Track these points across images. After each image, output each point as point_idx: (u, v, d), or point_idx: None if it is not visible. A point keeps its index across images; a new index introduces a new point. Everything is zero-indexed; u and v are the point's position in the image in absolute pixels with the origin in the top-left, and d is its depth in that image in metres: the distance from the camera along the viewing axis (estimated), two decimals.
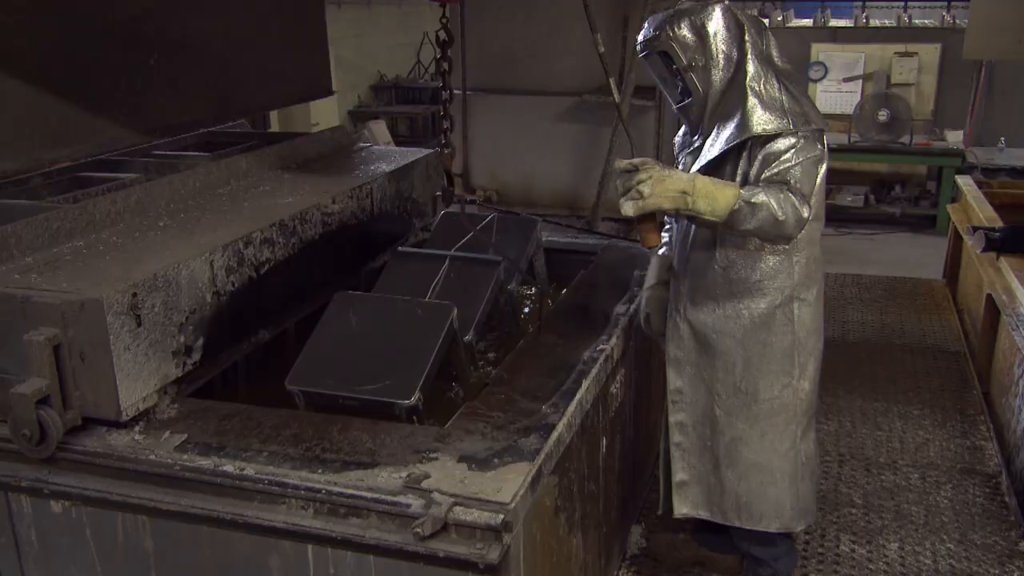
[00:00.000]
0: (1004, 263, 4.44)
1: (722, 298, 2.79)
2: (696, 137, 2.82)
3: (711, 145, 2.70)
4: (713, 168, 2.67)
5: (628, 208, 2.55)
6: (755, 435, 2.85)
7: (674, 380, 2.94)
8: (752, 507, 2.90)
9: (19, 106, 2.62)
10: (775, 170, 2.57)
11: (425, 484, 1.96)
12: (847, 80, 9.27)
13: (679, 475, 2.98)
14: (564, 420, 2.28)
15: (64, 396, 2.14)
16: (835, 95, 9.30)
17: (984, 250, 4.48)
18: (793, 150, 2.57)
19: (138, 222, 2.67)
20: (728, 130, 2.64)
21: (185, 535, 2.16)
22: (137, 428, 2.22)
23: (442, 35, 2.73)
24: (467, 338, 2.90)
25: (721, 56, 2.67)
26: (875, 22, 9.94)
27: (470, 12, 4.65)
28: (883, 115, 8.26)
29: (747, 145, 2.62)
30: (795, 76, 2.76)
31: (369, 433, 2.20)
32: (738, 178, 2.64)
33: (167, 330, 2.30)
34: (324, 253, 2.98)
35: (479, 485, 1.96)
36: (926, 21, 10.08)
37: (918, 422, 4.46)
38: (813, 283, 2.83)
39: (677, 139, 3.01)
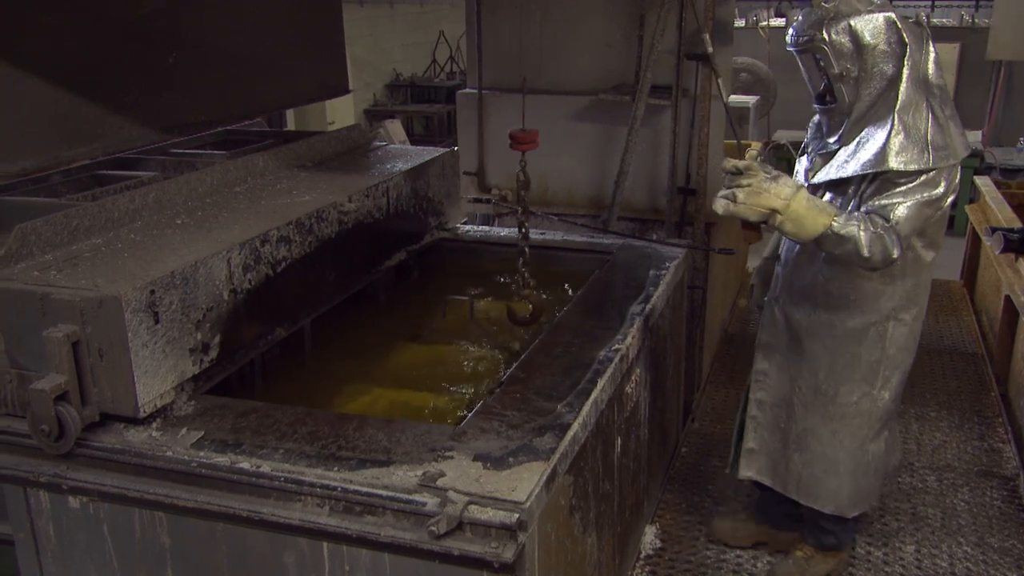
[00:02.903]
0: (1023, 264, 4.40)
1: (819, 306, 2.88)
2: (833, 141, 2.79)
3: (846, 161, 2.69)
4: (839, 182, 2.72)
5: (717, 206, 2.59)
6: (827, 431, 3.00)
7: (761, 362, 3.12)
8: (811, 490, 3.07)
9: (38, 104, 2.63)
10: (882, 202, 2.58)
11: (440, 483, 1.96)
12: None
13: (750, 443, 3.18)
14: (579, 419, 2.28)
15: (82, 392, 2.15)
16: None
17: (1003, 251, 4.44)
18: (908, 187, 2.56)
19: (156, 220, 2.68)
20: (867, 153, 2.62)
21: (201, 531, 2.17)
22: (154, 425, 2.24)
23: (521, 176, 2.91)
24: None
25: (876, 71, 2.62)
26: None
27: (486, 11, 4.65)
28: None
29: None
30: (946, 94, 2.71)
31: (384, 431, 2.20)
32: (855, 200, 2.68)
33: (184, 327, 2.31)
34: (340, 251, 2.99)
35: (494, 484, 1.96)
36: (944, 20, 10.02)
37: (935, 424, 4.43)
38: (914, 305, 2.87)
39: (811, 128, 3.01)
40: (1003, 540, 3.55)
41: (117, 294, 2.09)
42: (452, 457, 2.07)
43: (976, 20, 9.50)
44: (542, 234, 3.96)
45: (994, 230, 4.62)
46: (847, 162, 2.69)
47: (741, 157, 2.63)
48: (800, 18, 2.75)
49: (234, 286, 2.49)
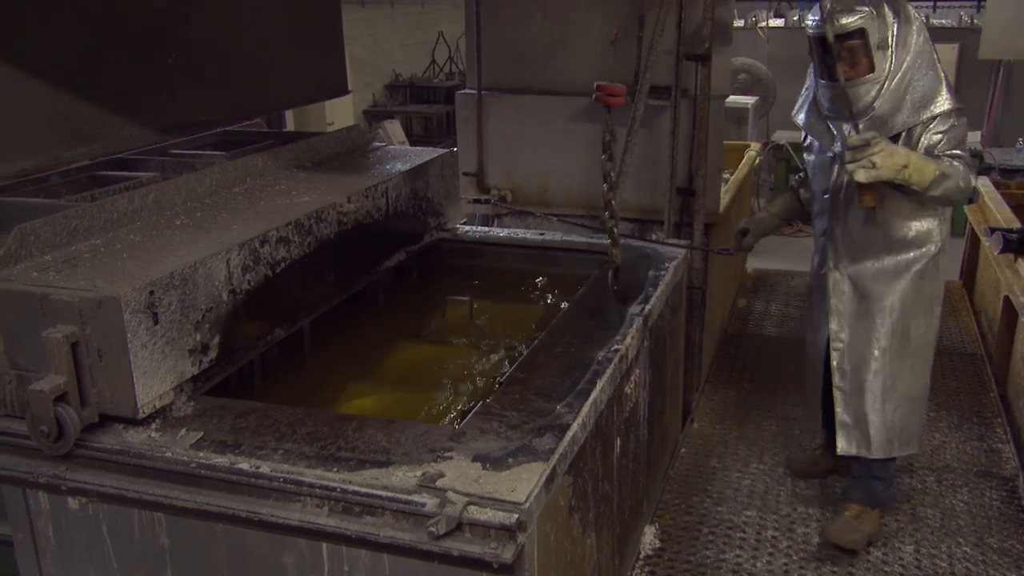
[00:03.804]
0: (1022, 265, 4.41)
1: (881, 253, 3.29)
2: (862, 107, 3.12)
3: (891, 115, 3.11)
4: (894, 137, 3.08)
5: (861, 175, 2.95)
6: (907, 370, 3.39)
7: (836, 330, 3.41)
8: (904, 434, 3.43)
9: (38, 104, 2.63)
10: (953, 144, 3.07)
11: (440, 483, 1.96)
12: None
13: (843, 417, 3.45)
14: (578, 420, 2.28)
15: (81, 393, 2.15)
16: None
17: (1002, 251, 4.44)
18: (961, 128, 3.10)
19: (155, 220, 2.68)
20: (916, 105, 3.08)
21: (200, 532, 2.17)
22: (153, 425, 2.24)
23: (607, 137, 3.09)
24: None
25: (907, 40, 3.09)
26: None
27: (485, 11, 4.65)
28: None
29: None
30: None
31: (384, 432, 2.20)
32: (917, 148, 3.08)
33: (184, 328, 2.31)
34: (339, 252, 2.99)
35: (493, 484, 1.96)
36: (943, 21, 10.02)
37: (934, 424, 4.43)
38: (947, 236, 3.35)
39: (801, 117, 3.45)
40: (1002, 540, 3.55)
41: (116, 295, 2.09)
42: (451, 458, 2.07)
43: (975, 21, 9.50)
44: (541, 235, 3.96)
45: (993, 230, 4.62)
46: (893, 116, 3.11)
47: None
48: (829, 6, 3.05)
49: (233, 287, 2.49)
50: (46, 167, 2.85)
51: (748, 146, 6.71)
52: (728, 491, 3.92)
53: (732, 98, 6.28)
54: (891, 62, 3.09)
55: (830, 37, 2.99)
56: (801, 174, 3.76)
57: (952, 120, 3.08)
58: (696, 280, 4.38)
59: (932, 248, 3.28)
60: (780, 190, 4.17)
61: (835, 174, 3.32)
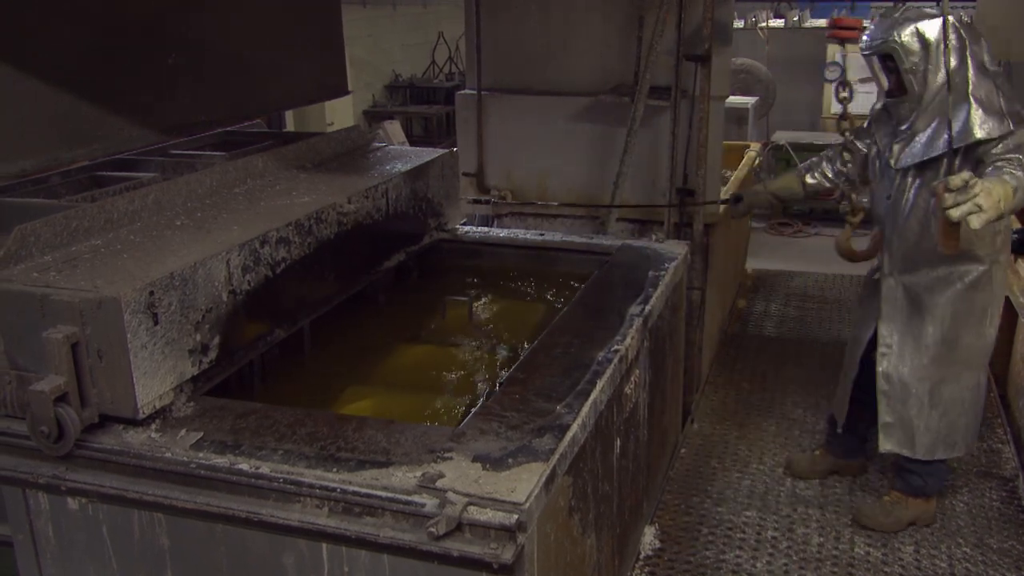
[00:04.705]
0: (1022, 265, 4.40)
1: (937, 263, 3.29)
2: (904, 128, 3.29)
3: (928, 143, 3.20)
4: (928, 162, 3.20)
5: (975, 222, 2.82)
6: (952, 378, 3.43)
7: (885, 335, 3.47)
8: (949, 438, 3.48)
9: (38, 104, 2.63)
10: (1013, 163, 3.00)
11: (439, 484, 1.96)
12: (863, 81, 9.21)
13: (884, 418, 3.52)
14: (578, 420, 2.28)
15: (82, 394, 2.15)
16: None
17: None
18: (1017, 145, 3.06)
19: (155, 221, 2.68)
20: (951, 130, 3.05)
21: (200, 533, 2.17)
22: (153, 426, 2.23)
23: (842, 92, 3.34)
24: None
25: (941, 63, 3.12)
26: None
27: (485, 12, 4.65)
28: None
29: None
30: (1003, 76, 3.22)
31: (384, 432, 2.20)
32: (946, 174, 3.09)
33: (184, 328, 2.30)
34: (339, 253, 2.99)
35: (493, 485, 1.96)
36: None
37: None
38: (1005, 247, 3.41)
39: (874, 123, 3.51)
40: (1002, 541, 3.55)
41: (116, 295, 2.09)
42: (451, 458, 2.07)
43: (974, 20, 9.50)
44: (541, 235, 3.96)
45: None
46: (930, 142, 3.20)
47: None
48: (873, 26, 3.29)
49: (233, 287, 2.49)
50: (46, 167, 2.85)
51: (748, 146, 6.71)
52: (728, 492, 3.92)
53: (732, 98, 6.27)
54: (924, 86, 3.17)
55: (863, 54, 3.22)
56: (815, 158, 3.84)
57: (1012, 142, 3.05)
58: (696, 280, 4.38)
59: (986, 263, 3.30)
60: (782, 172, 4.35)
61: (897, 182, 3.35)
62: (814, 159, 3.88)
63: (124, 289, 2.12)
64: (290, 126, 8.83)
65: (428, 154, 3.67)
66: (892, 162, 3.35)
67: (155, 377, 2.21)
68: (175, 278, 2.26)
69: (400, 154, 3.72)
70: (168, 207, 2.78)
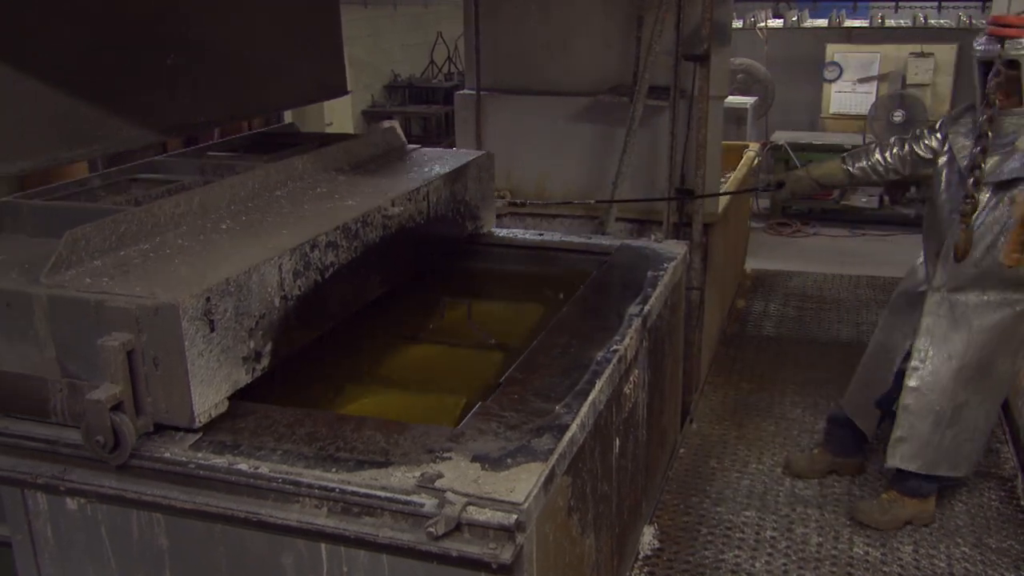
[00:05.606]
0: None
1: (989, 287, 3.31)
2: (1005, 140, 3.22)
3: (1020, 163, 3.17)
4: (1013, 180, 3.18)
5: None
6: (977, 402, 3.45)
7: (922, 349, 3.44)
8: (954, 458, 3.51)
9: (37, 104, 2.62)
10: None
11: (438, 484, 1.96)
12: (862, 81, 9.23)
13: (898, 432, 3.52)
14: (577, 420, 2.28)
15: (136, 402, 2.10)
16: (850, 95, 9.26)
17: None
18: None
19: (201, 224, 2.62)
20: None
21: (199, 533, 2.17)
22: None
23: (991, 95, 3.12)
24: None
25: None
26: (891, 22, 9.89)
27: (484, 12, 4.65)
28: (898, 116, 8.22)
29: None
30: None
31: (383, 432, 2.20)
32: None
33: (238, 335, 2.25)
34: (382, 256, 2.93)
35: (492, 485, 1.96)
36: (942, 21, 10.03)
37: None
38: None
39: (945, 122, 3.50)
40: (1001, 541, 3.55)
41: (174, 302, 2.04)
42: (450, 458, 2.07)
43: (975, 21, 9.51)
44: (540, 235, 3.96)
45: None
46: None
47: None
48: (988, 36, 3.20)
49: (285, 292, 2.43)
50: (45, 167, 2.84)
51: (747, 146, 6.71)
52: (727, 491, 3.92)
53: (731, 98, 6.28)
54: None
55: (998, 60, 3.09)
56: (860, 148, 3.83)
57: None
58: (695, 280, 4.38)
59: None
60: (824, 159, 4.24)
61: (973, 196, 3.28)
62: (859, 148, 3.84)
63: (182, 295, 2.06)
64: None
65: (465, 156, 3.61)
66: (981, 175, 3.21)
67: (211, 385, 2.16)
68: (231, 284, 2.20)
69: (436, 156, 3.66)
70: (212, 210, 2.72)
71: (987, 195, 3.25)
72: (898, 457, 3.54)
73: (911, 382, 3.47)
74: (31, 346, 2.20)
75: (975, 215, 3.21)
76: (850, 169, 3.79)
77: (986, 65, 3.21)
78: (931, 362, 3.43)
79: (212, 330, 2.14)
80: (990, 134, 3.15)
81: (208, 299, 2.13)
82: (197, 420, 2.14)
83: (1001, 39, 3.10)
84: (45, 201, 2.74)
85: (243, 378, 2.29)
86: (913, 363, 3.47)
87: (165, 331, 2.06)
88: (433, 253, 3.36)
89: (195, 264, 2.30)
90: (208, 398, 2.17)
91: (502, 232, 3.91)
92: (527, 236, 3.91)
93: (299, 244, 2.49)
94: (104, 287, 2.15)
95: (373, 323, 3.31)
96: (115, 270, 2.25)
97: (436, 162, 3.52)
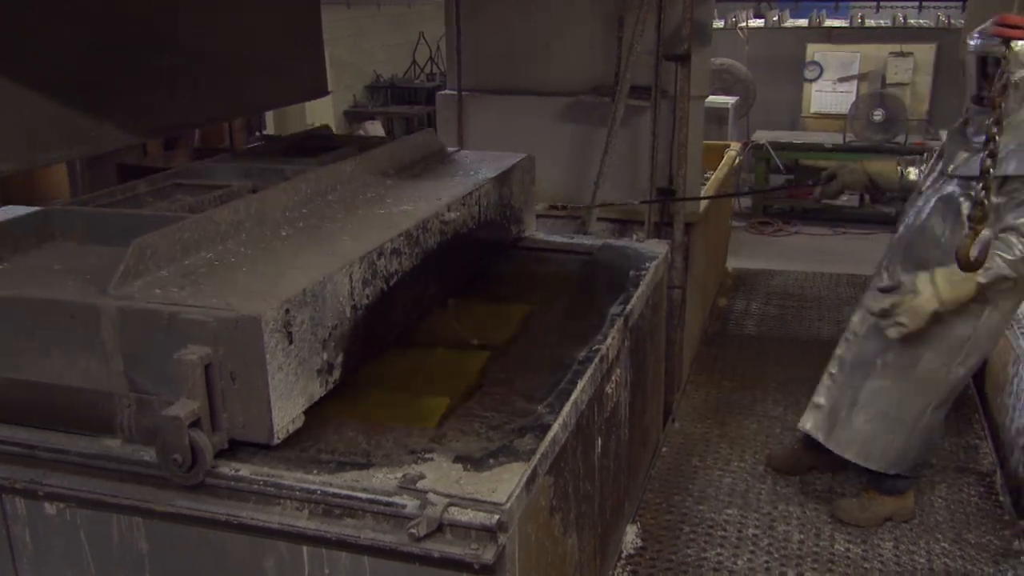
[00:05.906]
0: None
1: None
2: (977, 140, 3.14)
3: (1006, 157, 3.01)
4: (971, 177, 3.07)
5: (893, 333, 3.18)
6: (897, 394, 3.40)
7: (858, 323, 3.49)
8: (868, 448, 3.49)
9: (18, 105, 2.60)
10: (1016, 220, 2.99)
11: (420, 485, 1.96)
12: (842, 80, 9.29)
13: (819, 398, 3.60)
14: (559, 420, 2.29)
15: (213, 418, 2.04)
16: (830, 95, 9.32)
17: None
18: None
19: (259, 231, 2.55)
20: (1012, 160, 3.03)
21: (180, 536, 2.15)
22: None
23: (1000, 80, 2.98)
24: None
25: None
26: (871, 22, 9.96)
27: (466, 12, 4.65)
28: (878, 115, 8.28)
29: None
30: None
31: (364, 434, 2.20)
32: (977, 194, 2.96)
33: (313, 347, 2.19)
34: (440, 263, 2.88)
35: (474, 485, 1.96)
36: (921, 21, 10.10)
37: None
38: (1014, 298, 3.24)
39: (952, 135, 3.41)
40: (980, 536, 3.58)
41: (256, 314, 1.96)
42: (432, 459, 2.07)
43: (954, 21, 9.59)
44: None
45: None
46: (1002, 162, 3.00)
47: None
48: (990, 23, 3.14)
49: (355, 302, 2.37)
50: (26, 168, 2.80)
51: (728, 146, 6.74)
52: (709, 490, 3.93)
53: (712, 98, 6.30)
54: (1021, 103, 3.08)
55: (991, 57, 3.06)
56: (918, 156, 3.75)
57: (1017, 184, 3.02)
58: (676, 279, 4.40)
59: (990, 300, 3.17)
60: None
61: (937, 195, 3.28)
62: (917, 156, 3.76)
63: (262, 307, 1.99)
64: (270, 127, 8.80)
65: (508, 159, 3.54)
66: (950, 168, 3.23)
67: (289, 399, 2.10)
68: (307, 294, 2.14)
69: (478, 159, 3.59)
70: (270, 216, 2.65)
71: (952, 188, 3.25)
72: (812, 422, 3.61)
73: (839, 351, 3.56)
74: (96, 359, 2.12)
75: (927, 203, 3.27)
76: (906, 172, 3.72)
77: (983, 61, 3.16)
78: (860, 336, 3.50)
79: (291, 342, 2.07)
80: (997, 138, 3.12)
81: (288, 311, 2.05)
82: (276, 436, 2.07)
83: (1007, 40, 3.05)
84: (98, 208, 2.68)
85: (318, 391, 2.22)
86: (846, 335, 3.55)
87: (245, 344, 1.98)
88: (483, 258, 3.32)
89: (264, 273, 2.23)
90: (287, 412, 2.10)
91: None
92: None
93: (367, 252, 2.42)
94: (176, 298, 2.07)
95: None
96: (183, 280, 2.17)
97: (480, 165, 3.44)
